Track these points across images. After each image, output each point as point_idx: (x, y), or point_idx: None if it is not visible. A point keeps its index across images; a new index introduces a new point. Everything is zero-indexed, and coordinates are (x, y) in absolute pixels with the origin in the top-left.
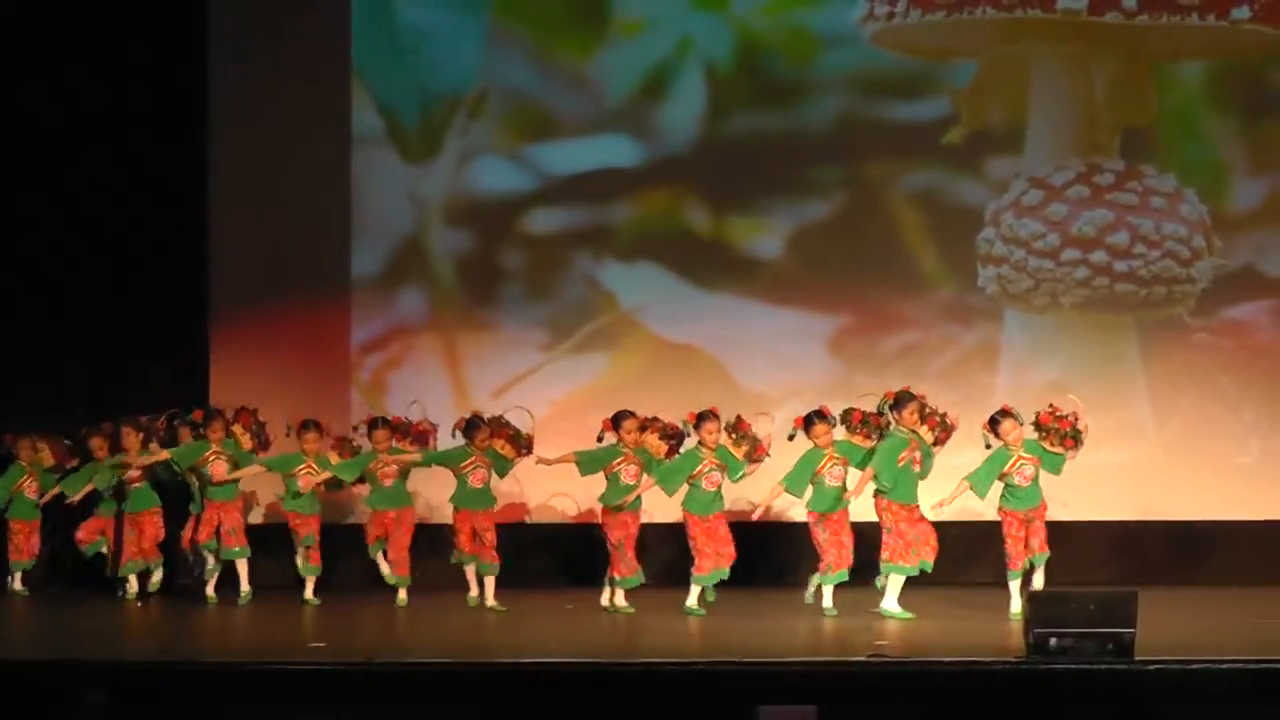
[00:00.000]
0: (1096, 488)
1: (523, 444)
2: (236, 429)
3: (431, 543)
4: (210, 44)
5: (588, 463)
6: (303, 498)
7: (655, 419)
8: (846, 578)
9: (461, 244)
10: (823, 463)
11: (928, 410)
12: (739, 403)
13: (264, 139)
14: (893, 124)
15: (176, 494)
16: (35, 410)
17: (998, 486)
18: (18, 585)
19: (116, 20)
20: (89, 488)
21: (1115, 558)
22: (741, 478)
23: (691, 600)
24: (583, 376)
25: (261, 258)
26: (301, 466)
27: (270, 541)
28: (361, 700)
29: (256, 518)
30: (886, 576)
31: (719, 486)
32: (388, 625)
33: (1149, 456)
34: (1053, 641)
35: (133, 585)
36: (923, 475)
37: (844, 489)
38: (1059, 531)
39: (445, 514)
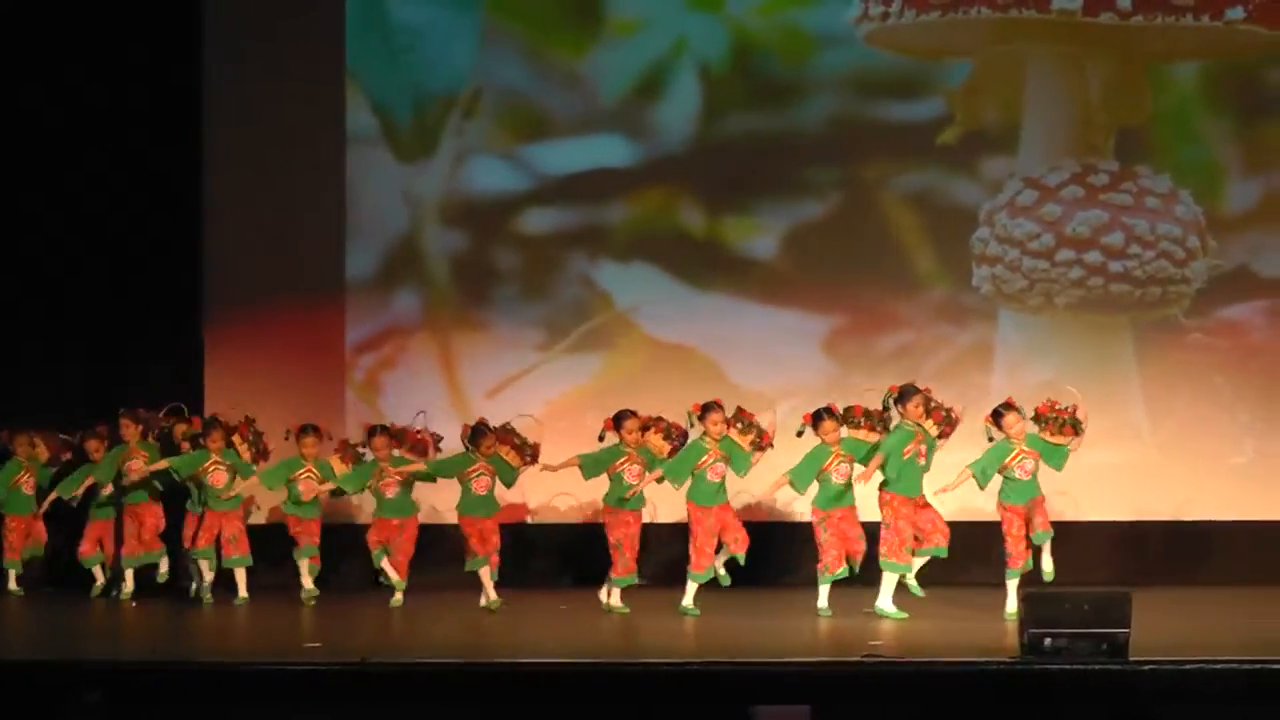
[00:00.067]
0: (1092, 488)
1: (527, 453)
2: (235, 439)
3: (430, 543)
4: (204, 44)
5: (591, 465)
6: (299, 495)
7: (660, 419)
8: (847, 574)
9: (456, 244)
10: (829, 460)
11: (933, 404)
12: (734, 403)
13: (258, 139)
14: (887, 124)
15: (176, 489)
16: (35, 410)
17: (996, 481)
18: (13, 585)
19: (112, 20)
20: (88, 482)
21: (1110, 558)
22: (748, 471)
23: (688, 599)
24: (578, 377)
25: (256, 257)
26: (301, 471)
27: (270, 543)
28: (358, 700)
29: (258, 519)
30: (914, 564)
31: (723, 478)
32: (385, 626)
33: (1144, 457)
34: (1047, 642)
35: (129, 584)
36: (925, 468)
37: (849, 486)
38: (1054, 531)
39: (444, 515)
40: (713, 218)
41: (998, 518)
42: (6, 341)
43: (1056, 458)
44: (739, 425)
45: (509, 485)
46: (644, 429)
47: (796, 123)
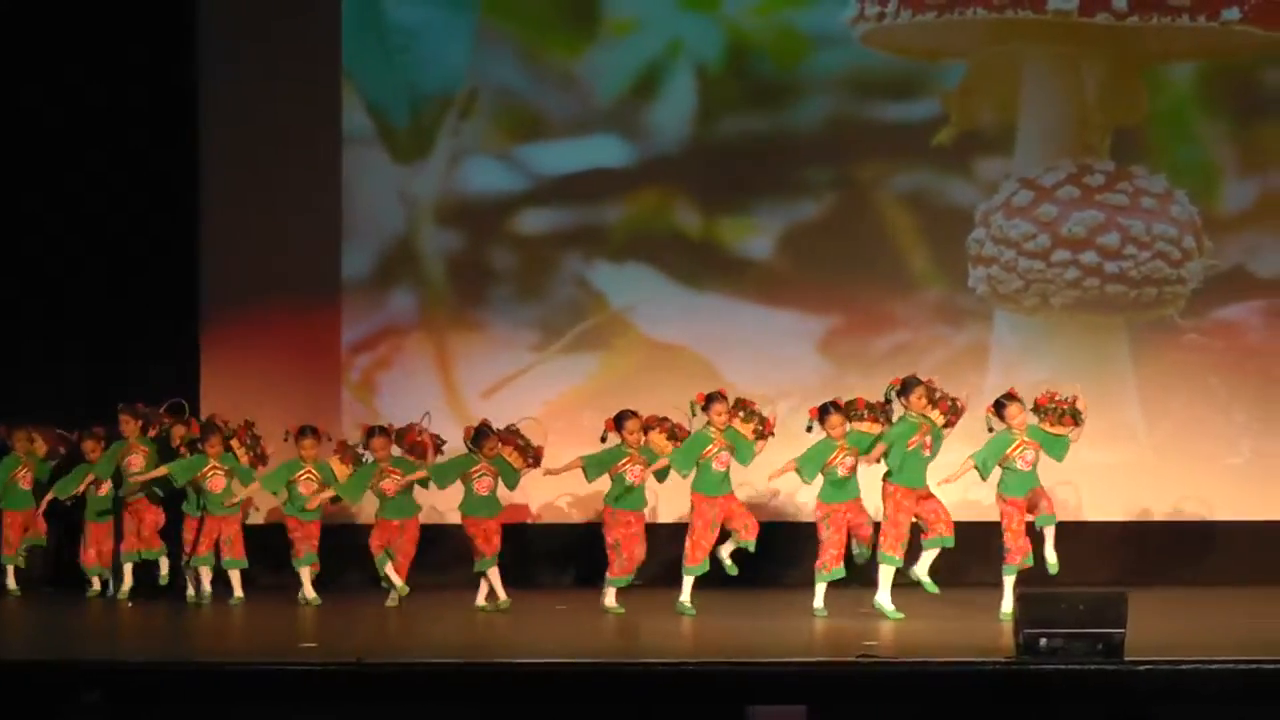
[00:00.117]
0: (1087, 488)
1: (530, 455)
2: (234, 443)
3: (431, 543)
4: (200, 44)
5: (594, 467)
6: (302, 501)
7: (665, 419)
8: (844, 574)
9: (452, 244)
10: (835, 454)
11: (938, 394)
12: (732, 399)
13: (254, 139)
14: (883, 125)
15: (174, 491)
16: (34, 410)
17: (995, 475)
18: (10, 583)
19: (111, 20)
20: (88, 479)
21: (1106, 558)
22: (751, 459)
23: (684, 595)
24: (574, 377)
25: (252, 257)
26: (301, 473)
27: (269, 543)
28: (355, 701)
29: (257, 519)
30: (924, 560)
31: (728, 467)
32: (383, 626)
33: (1140, 458)
34: (1043, 642)
35: (128, 581)
36: (930, 459)
37: (854, 479)
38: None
39: (445, 516)
40: (708, 218)
41: (995, 518)
42: (7, 341)
43: (1057, 448)
44: (741, 414)
45: (511, 487)
46: (646, 429)
47: (792, 123)
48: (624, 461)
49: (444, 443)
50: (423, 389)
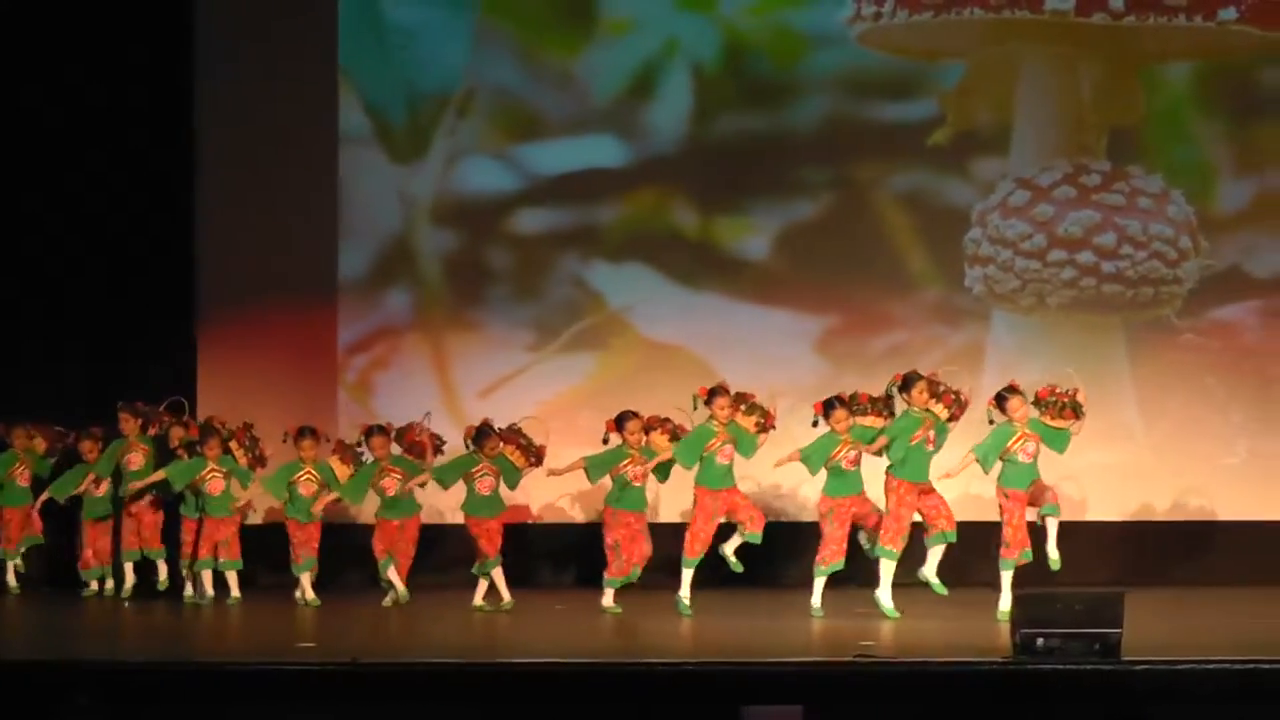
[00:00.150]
0: (1084, 489)
1: (532, 454)
2: (232, 445)
3: (431, 543)
4: (197, 44)
5: (596, 467)
6: (304, 504)
7: (666, 419)
8: (842, 567)
9: (449, 244)
10: (839, 448)
11: (941, 388)
12: None
13: (251, 139)
14: (880, 125)
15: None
16: (34, 409)
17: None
18: (10, 580)
19: (111, 20)
20: (89, 478)
21: (1103, 558)
22: (754, 452)
23: (683, 590)
24: (571, 377)
25: (249, 257)
26: (300, 474)
27: (268, 543)
28: (352, 700)
29: (255, 519)
30: (931, 560)
31: (731, 460)
32: (380, 626)
33: (1136, 457)
34: (1040, 642)
35: (128, 579)
36: (934, 452)
37: (858, 472)
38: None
39: (445, 516)
40: (705, 218)
41: (997, 518)
42: (7, 341)
43: (1058, 441)
44: (743, 407)
45: (512, 487)
46: (647, 430)
47: (789, 123)
48: (625, 463)
49: (443, 443)
50: (419, 389)
